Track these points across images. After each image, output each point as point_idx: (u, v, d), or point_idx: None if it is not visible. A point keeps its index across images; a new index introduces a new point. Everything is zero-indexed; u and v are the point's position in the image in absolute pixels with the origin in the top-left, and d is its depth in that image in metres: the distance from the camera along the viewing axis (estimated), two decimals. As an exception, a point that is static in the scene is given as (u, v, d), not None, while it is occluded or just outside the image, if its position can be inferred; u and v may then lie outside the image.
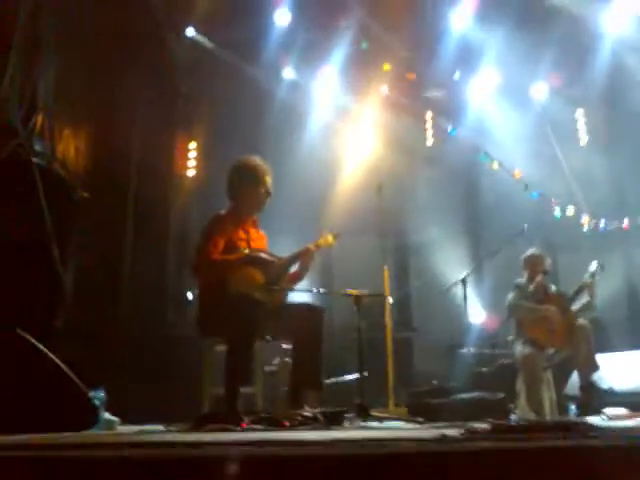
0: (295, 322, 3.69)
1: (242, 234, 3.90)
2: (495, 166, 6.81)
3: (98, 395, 3.49)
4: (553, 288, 5.23)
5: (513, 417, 4.55)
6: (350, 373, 5.66)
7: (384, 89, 7.96)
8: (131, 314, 6.82)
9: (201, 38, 7.26)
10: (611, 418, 4.62)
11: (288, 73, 7.82)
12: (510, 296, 5.18)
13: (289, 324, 3.71)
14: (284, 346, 4.48)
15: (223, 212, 3.96)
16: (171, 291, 7.90)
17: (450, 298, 6.46)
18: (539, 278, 5.14)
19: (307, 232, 6.41)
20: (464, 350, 6.71)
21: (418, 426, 3.31)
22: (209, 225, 3.86)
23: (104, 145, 6.04)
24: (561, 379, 5.09)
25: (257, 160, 4.02)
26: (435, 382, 6.01)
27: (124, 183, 7.07)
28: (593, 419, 4.66)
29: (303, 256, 3.91)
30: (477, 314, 7.80)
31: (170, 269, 7.99)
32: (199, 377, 3.90)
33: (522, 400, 4.80)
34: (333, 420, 3.00)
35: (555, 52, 7.65)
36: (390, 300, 5.71)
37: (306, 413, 2.95)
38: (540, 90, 8.11)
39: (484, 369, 5.79)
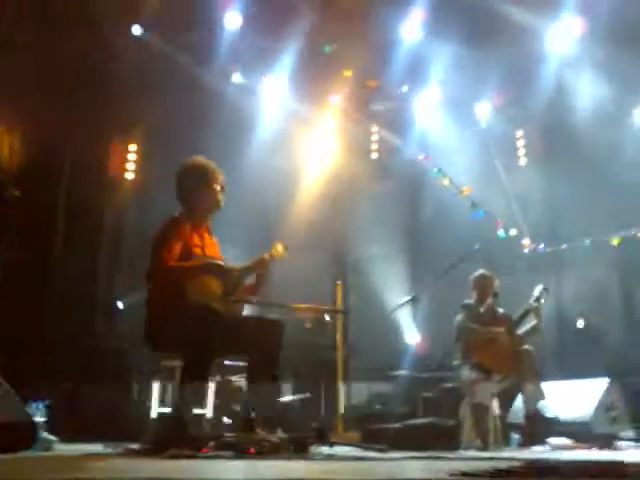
0: (253, 337, 3.48)
1: (197, 240, 3.68)
2: (446, 182, 6.80)
3: (37, 409, 3.24)
4: (500, 311, 5.21)
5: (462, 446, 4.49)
6: (287, 393, 5.52)
7: (335, 99, 7.85)
8: (58, 320, 6.53)
9: (147, 37, 6.94)
10: (555, 448, 4.66)
11: (237, 77, 7.61)
12: (458, 317, 5.12)
13: (245, 339, 3.49)
14: (226, 362, 4.29)
15: (178, 215, 3.72)
16: (101, 299, 7.57)
17: (387, 318, 6.40)
18: (490, 300, 5.12)
19: (252, 241, 6.24)
20: (401, 373, 6.68)
21: (388, 454, 3.15)
22: (164, 228, 3.61)
23: (38, 144, 5.73)
24: (504, 406, 5.07)
25: (205, 160, 3.83)
26: (379, 406, 5.93)
27: (56, 183, 6.78)
28: (538, 449, 4.69)
29: (259, 266, 3.72)
30: (413, 336, 7.79)
31: (101, 275, 7.67)
32: (127, 392, 3.66)
33: (467, 427, 4.74)
34: (300, 447, 2.80)
35: (499, 71, 7.75)
36: (327, 319, 5.59)
37: (273, 439, 2.74)
38: (484, 109, 8.18)
39: (427, 394, 5.74)
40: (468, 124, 8.05)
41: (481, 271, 5.36)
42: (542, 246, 7.09)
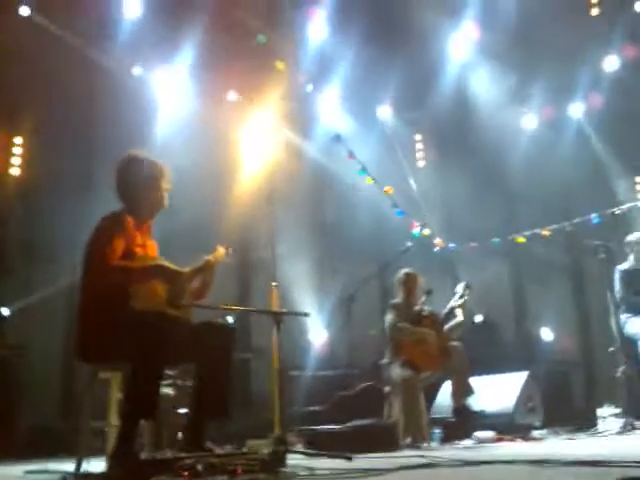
0: (202, 343, 3.22)
1: (139, 239, 3.36)
2: (370, 181, 6.79)
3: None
4: (426, 309, 5.26)
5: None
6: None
7: (232, 95, 7.61)
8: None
9: (37, 19, 6.37)
10: (481, 441, 4.76)
11: (137, 69, 7.19)
12: (388, 317, 5.11)
13: (194, 345, 3.22)
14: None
15: (119, 211, 3.38)
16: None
17: (291, 318, 6.30)
18: (423, 299, 5.15)
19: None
20: (308, 373, 6.60)
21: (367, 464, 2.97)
22: (106, 224, 3.25)
23: None
24: (426, 402, 5.12)
25: (150, 157, 3.51)
26: (296, 408, 5.81)
27: None
28: (465, 443, 4.78)
29: (205, 269, 3.45)
30: (318, 335, 7.73)
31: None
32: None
33: (400, 426, 4.73)
34: (277, 463, 2.55)
35: (400, 75, 7.90)
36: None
37: (255, 455, 2.48)
38: (385, 111, 8.30)
39: (346, 392, 5.68)
40: (370, 125, 8.12)
41: (405, 270, 5.39)
42: (452, 245, 7.26)
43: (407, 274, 5.32)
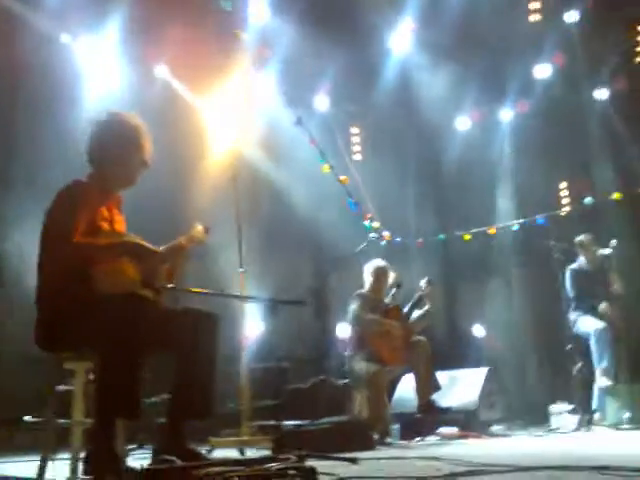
0: (184, 331, 2.83)
1: (105, 213, 2.92)
2: (326, 169, 6.49)
3: None
4: (392, 301, 5.08)
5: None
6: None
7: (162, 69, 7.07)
8: None
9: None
10: (445, 437, 4.66)
11: (66, 37, 6.55)
12: (354, 307, 4.87)
13: (174, 334, 2.83)
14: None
15: (85, 179, 2.93)
16: None
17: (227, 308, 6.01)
18: (393, 291, 4.97)
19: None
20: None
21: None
22: (68, 195, 2.79)
23: None
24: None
25: (136, 118, 3.07)
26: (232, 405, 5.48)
27: None
28: (430, 439, 4.65)
29: (180, 250, 3.05)
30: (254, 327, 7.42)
31: None
32: None
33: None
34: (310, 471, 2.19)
35: (338, 66, 7.69)
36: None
37: (281, 465, 2.12)
38: (322, 101, 8.03)
39: (298, 386, 5.44)
40: (307, 115, 7.82)
41: (377, 261, 5.19)
42: (398, 239, 7.12)
43: (378, 266, 5.13)
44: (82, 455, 2.89)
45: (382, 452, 3.69)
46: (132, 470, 2.40)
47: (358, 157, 8.57)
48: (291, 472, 1.97)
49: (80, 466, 2.85)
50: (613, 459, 2.44)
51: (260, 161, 7.27)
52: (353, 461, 2.76)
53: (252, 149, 6.46)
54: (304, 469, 2.02)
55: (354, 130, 8.68)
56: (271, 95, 7.29)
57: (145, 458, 3.17)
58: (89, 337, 2.63)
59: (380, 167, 8.21)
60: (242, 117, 6.16)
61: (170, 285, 3.05)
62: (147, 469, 2.14)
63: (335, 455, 2.81)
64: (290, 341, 7.31)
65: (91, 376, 3.05)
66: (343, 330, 6.57)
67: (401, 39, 7.70)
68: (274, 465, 2.00)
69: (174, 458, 2.44)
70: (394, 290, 5.03)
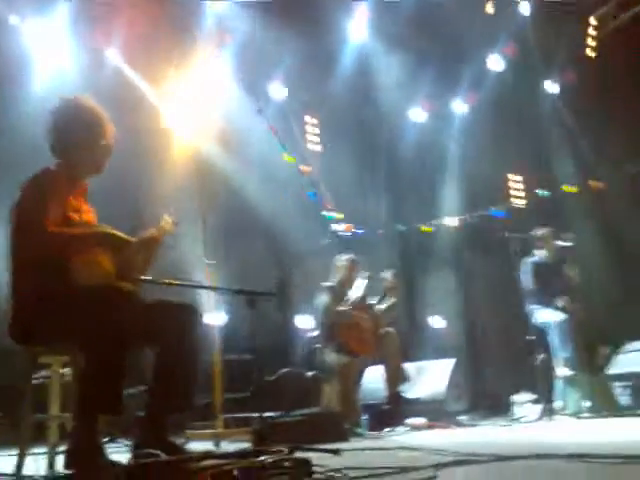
0: (163, 324, 2.78)
1: (74, 203, 2.85)
2: (290, 159, 6.44)
3: None
4: (360, 294, 5.11)
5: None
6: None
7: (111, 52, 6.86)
8: None
9: None
10: (413, 428, 4.72)
11: (14, 19, 6.33)
12: (323, 299, 4.88)
13: (154, 327, 2.79)
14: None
15: (54, 168, 2.85)
16: None
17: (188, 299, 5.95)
18: (364, 284, 5.00)
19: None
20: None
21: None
22: (37, 184, 2.70)
23: None
24: (355, 388, 5.00)
25: (91, 100, 3.01)
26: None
27: None
28: (399, 430, 4.71)
29: (153, 242, 3.02)
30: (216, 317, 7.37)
31: None
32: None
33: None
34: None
35: (294, 54, 7.63)
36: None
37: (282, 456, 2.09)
38: (276, 89, 7.94)
39: (266, 378, 5.43)
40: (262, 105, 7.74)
41: (348, 255, 5.21)
42: (361, 231, 7.15)
43: (349, 259, 5.16)
44: (60, 449, 2.86)
45: (359, 443, 3.70)
46: (118, 465, 2.36)
47: (314, 147, 8.53)
48: (286, 464, 1.97)
49: (58, 460, 2.81)
50: (587, 447, 2.52)
51: (216, 151, 7.19)
52: (336, 452, 2.77)
53: (209, 139, 6.35)
54: (299, 461, 2.03)
55: (309, 119, 8.63)
56: (227, 83, 7.20)
57: (120, 452, 3.14)
58: (70, 331, 2.58)
59: (336, 157, 8.22)
60: (198, 106, 6.10)
61: (144, 276, 3.01)
62: (138, 464, 2.10)
63: (319, 447, 2.81)
64: (252, 333, 7.25)
65: (66, 370, 3.00)
66: (304, 321, 6.60)
67: (357, 28, 7.69)
68: (268, 458, 1.99)
69: (158, 452, 2.43)
70: (365, 283, 5.06)
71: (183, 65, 6.58)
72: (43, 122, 2.90)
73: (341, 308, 4.84)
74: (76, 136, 2.88)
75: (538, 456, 2.35)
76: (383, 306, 5.05)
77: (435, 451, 2.69)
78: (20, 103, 6.12)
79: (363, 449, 3.17)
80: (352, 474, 2.12)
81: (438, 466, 2.17)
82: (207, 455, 2.21)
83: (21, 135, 5.57)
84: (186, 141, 5.50)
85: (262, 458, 1.94)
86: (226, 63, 7.28)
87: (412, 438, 4.00)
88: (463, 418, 5.34)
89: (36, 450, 2.80)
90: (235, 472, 1.83)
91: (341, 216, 6.80)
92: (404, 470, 2.10)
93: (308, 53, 7.57)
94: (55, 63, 6.55)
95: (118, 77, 6.83)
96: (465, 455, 2.44)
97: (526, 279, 5.95)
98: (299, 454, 2.29)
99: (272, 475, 1.86)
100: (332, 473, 2.04)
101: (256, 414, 4.37)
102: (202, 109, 6.55)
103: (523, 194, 8.50)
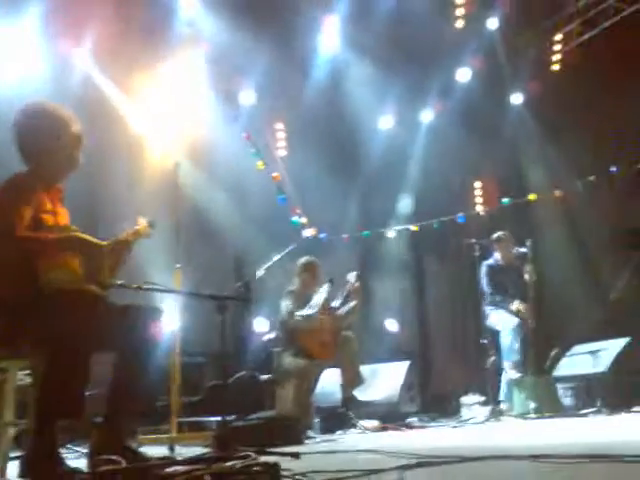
0: (128, 328, 2.76)
1: (49, 205, 2.84)
2: (261, 166, 6.43)
3: None
4: (323, 297, 5.12)
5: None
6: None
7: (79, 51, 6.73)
8: None
9: None
10: (367, 430, 4.77)
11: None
12: (285, 304, 4.90)
13: (119, 331, 2.76)
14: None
15: (26, 173, 2.83)
16: None
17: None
18: (326, 287, 5.02)
19: None
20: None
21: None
22: (8, 188, 2.72)
23: None
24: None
25: (54, 104, 2.99)
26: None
27: None
28: (351, 432, 4.75)
29: (124, 245, 3.01)
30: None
31: None
32: None
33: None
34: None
35: (265, 61, 7.65)
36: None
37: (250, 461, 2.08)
38: (247, 96, 7.96)
39: (219, 382, 5.39)
40: (232, 109, 7.74)
41: (308, 258, 5.23)
42: (323, 235, 7.17)
43: (308, 262, 5.18)
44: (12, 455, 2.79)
45: (315, 446, 3.74)
46: (79, 472, 2.32)
47: (282, 152, 8.55)
48: (255, 469, 1.97)
49: (9, 467, 2.74)
50: (546, 448, 2.61)
51: (185, 156, 7.12)
52: (296, 456, 2.78)
53: (179, 145, 6.28)
54: (268, 465, 2.03)
55: (279, 126, 8.65)
56: (198, 89, 7.17)
57: (71, 458, 3.08)
58: (36, 334, 2.57)
59: (303, 162, 8.26)
60: (169, 112, 6.04)
61: (113, 280, 2.98)
62: (104, 471, 2.06)
63: (279, 450, 2.82)
64: (204, 337, 7.22)
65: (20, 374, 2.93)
66: (260, 325, 6.59)
67: (328, 37, 7.77)
68: (238, 462, 1.99)
69: (117, 458, 2.40)
70: (326, 286, 5.09)
71: (154, 70, 6.54)
72: (8, 129, 2.89)
73: (304, 312, 4.86)
74: (47, 137, 2.88)
75: (498, 457, 2.41)
76: (345, 309, 5.08)
77: (393, 454, 2.72)
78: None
79: (321, 452, 3.18)
80: (317, 478, 2.13)
81: (404, 468, 2.20)
82: (172, 461, 2.19)
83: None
84: (156, 146, 5.44)
85: (232, 463, 1.94)
86: (198, 69, 7.25)
87: (366, 440, 4.03)
88: (413, 420, 5.42)
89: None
90: (207, 478, 1.82)
91: (305, 221, 6.80)
92: (371, 472, 2.12)
93: (278, 60, 7.61)
94: (22, 67, 6.39)
95: (87, 81, 6.74)
96: (425, 457, 2.47)
97: (482, 281, 6.09)
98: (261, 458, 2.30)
99: None
100: (299, 477, 2.04)
101: (210, 418, 4.37)
102: (173, 114, 6.52)
103: (486, 201, 8.65)
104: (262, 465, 2.02)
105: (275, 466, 2.03)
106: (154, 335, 2.85)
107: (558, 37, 8.22)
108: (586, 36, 7.89)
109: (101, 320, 2.60)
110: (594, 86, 7.47)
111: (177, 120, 6.36)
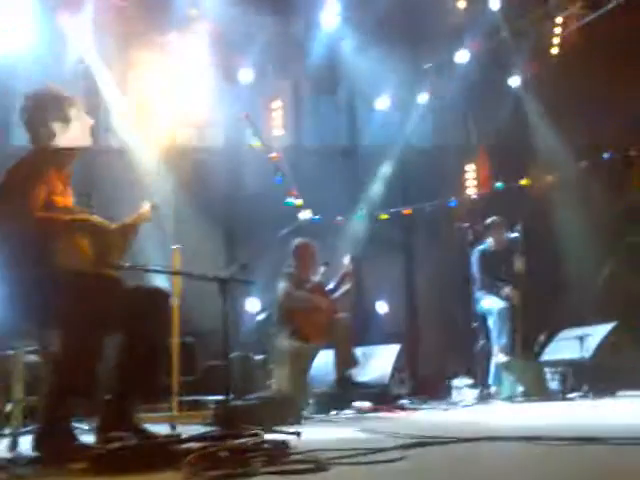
0: (137, 310, 2.82)
1: (60, 187, 2.88)
2: (258, 145, 6.44)
3: None
4: (316, 279, 5.21)
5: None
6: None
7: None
8: None
9: None
10: (359, 412, 4.88)
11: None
12: (282, 285, 4.97)
13: (129, 313, 2.82)
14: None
15: (38, 151, 2.88)
16: None
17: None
18: (322, 270, 5.09)
19: None
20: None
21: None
22: (24, 165, 2.75)
23: None
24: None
25: (56, 86, 3.03)
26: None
27: None
28: (345, 413, 4.86)
29: (131, 228, 3.07)
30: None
31: None
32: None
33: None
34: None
35: (264, 38, 7.63)
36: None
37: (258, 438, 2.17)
38: (246, 74, 7.94)
39: (214, 362, 5.49)
40: (233, 87, 7.74)
41: (303, 240, 5.29)
42: (318, 217, 7.22)
43: (303, 244, 5.24)
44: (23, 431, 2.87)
45: (311, 427, 3.84)
46: (93, 447, 2.40)
47: (278, 132, 8.53)
48: (265, 446, 2.06)
49: (21, 442, 2.82)
50: (538, 430, 2.73)
51: (186, 136, 7.15)
52: (297, 434, 2.88)
53: (179, 125, 6.31)
54: (277, 443, 2.12)
55: (276, 104, 8.63)
56: (199, 68, 7.17)
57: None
58: (53, 315, 2.62)
59: (299, 144, 8.27)
60: (169, 91, 6.02)
61: (121, 262, 3.04)
62: (120, 447, 2.14)
63: (283, 430, 2.92)
64: (194, 316, 7.26)
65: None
66: (252, 305, 6.66)
67: (327, 15, 7.75)
68: (248, 440, 2.08)
69: (127, 434, 2.47)
70: (322, 268, 5.17)
71: (154, 48, 6.53)
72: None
73: (300, 293, 4.93)
74: (49, 121, 2.91)
75: (492, 438, 2.52)
76: (340, 292, 5.17)
77: (392, 434, 2.83)
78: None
79: (319, 432, 3.28)
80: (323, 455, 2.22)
81: (403, 447, 2.31)
82: (184, 438, 2.28)
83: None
84: (156, 126, 5.45)
85: (242, 440, 2.04)
86: (198, 47, 7.24)
87: (360, 421, 4.14)
88: (405, 402, 5.54)
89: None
90: (222, 454, 1.91)
91: (300, 203, 6.84)
92: (372, 451, 2.22)
93: (277, 38, 7.59)
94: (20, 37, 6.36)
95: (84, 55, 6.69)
96: (423, 437, 2.58)
97: (474, 266, 6.18)
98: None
99: (253, 457, 1.95)
100: (309, 453, 2.13)
101: (207, 397, 4.45)
102: (173, 94, 6.52)
103: (480, 185, 8.67)
104: (271, 443, 2.12)
105: (284, 444, 2.12)
106: (163, 315, 2.94)
107: (559, 20, 8.22)
108: (587, 19, 7.87)
109: (116, 301, 2.66)
110: (593, 70, 7.48)
111: (179, 99, 6.35)
